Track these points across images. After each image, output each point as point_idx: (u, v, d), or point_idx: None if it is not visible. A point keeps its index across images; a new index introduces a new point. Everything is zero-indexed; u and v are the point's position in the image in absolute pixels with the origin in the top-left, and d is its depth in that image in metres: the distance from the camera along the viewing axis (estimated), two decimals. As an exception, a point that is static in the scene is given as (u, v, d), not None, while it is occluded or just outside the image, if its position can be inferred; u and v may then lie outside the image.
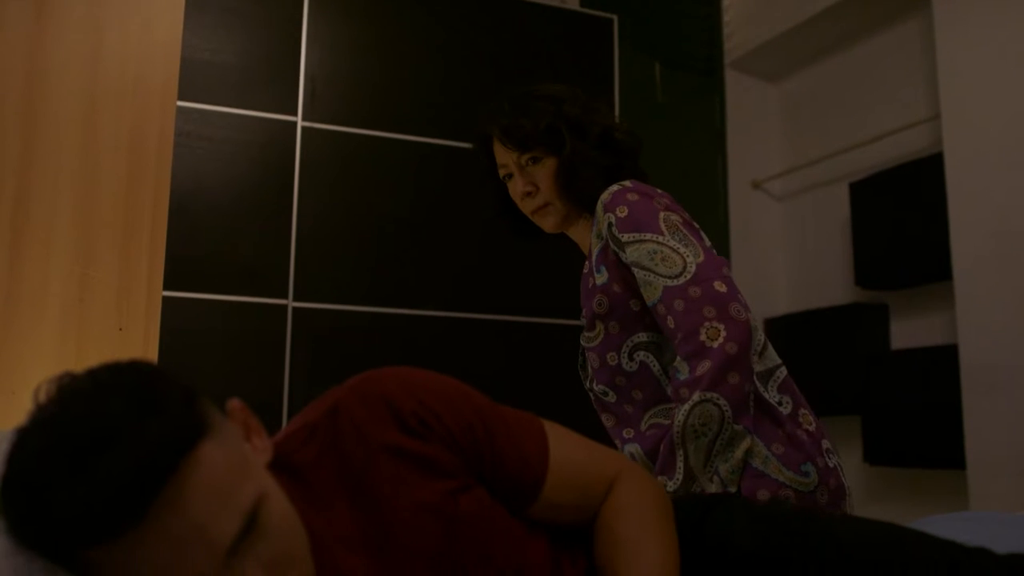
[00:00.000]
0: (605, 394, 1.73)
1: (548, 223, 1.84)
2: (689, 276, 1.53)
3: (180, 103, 2.67)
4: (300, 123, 2.91)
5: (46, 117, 2.30)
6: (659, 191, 1.70)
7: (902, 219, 3.52)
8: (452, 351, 2.99)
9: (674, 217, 1.62)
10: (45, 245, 2.25)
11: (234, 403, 0.98)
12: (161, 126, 2.41)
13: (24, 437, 0.83)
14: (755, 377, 1.59)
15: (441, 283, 3.04)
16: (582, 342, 1.78)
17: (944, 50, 3.29)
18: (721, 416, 1.48)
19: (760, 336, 1.66)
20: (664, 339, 1.65)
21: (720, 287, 1.52)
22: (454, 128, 3.13)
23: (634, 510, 1.13)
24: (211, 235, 2.76)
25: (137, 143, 2.37)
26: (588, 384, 1.81)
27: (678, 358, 1.53)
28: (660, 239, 1.58)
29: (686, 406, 1.48)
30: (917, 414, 3.33)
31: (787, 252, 4.36)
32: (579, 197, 1.77)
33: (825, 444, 1.63)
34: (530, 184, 1.79)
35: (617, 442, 1.75)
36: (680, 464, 1.49)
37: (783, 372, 1.66)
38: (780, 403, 1.61)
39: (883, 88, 3.89)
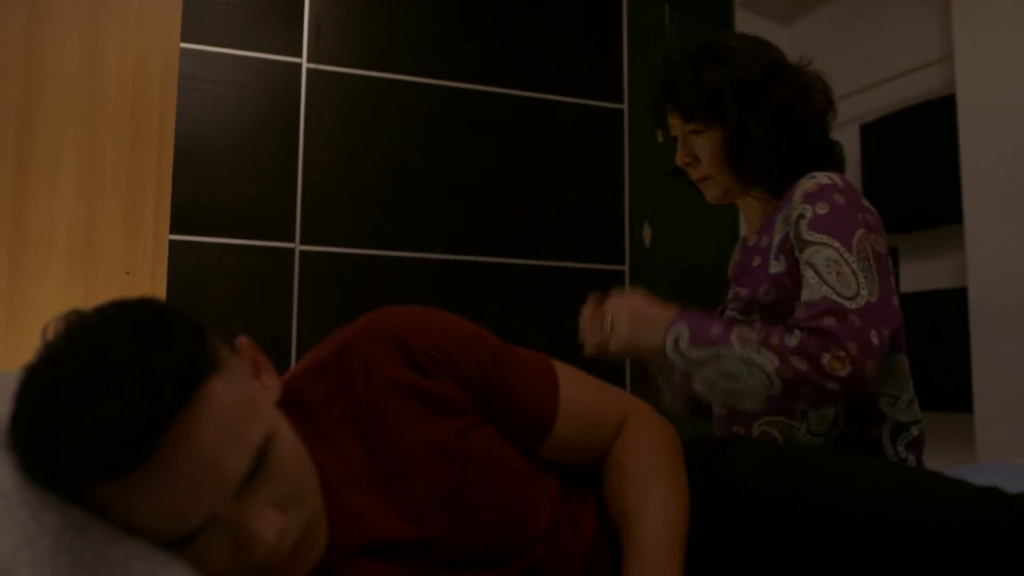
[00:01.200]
0: None
1: (709, 195, 1.74)
2: (857, 306, 1.40)
3: (183, 44, 2.64)
4: (305, 64, 2.88)
5: (47, 59, 2.27)
6: (866, 203, 1.56)
7: (913, 161, 3.48)
8: (460, 294, 2.99)
9: (869, 243, 1.48)
10: (50, 190, 2.24)
11: (243, 341, 0.98)
12: (164, 68, 2.38)
13: (32, 373, 0.82)
14: (885, 425, 1.55)
15: (448, 225, 3.03)
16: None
17: (958, -11, 3.24)
18: (762, 388, 1.40)
19: (910, 391, 1.59)
20: None
21: (875, 339, 1.38)
22: (461, 69, 3.10)
23: (644, 449, 1.13)
24: (217, 178, 2.74)
25: (140, 85, 2.35)
26: None
27: (797, 331, 1.41)
28: (845, 255, 1.45)
29: (752, 353, 1.40)
30: (925, 357, 3.32)
31: (796, 196, 4.33)
32: (745, 176, 1.65)
33: None
34: (689, 155, 1.70)
35: (720, 432, 1.67)
36: (707, 354, 1.43)
37: (917, 431, 1.58)
38: (904, 461, 1.54)
39: (895, 28, 3.83)
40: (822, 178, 1.53)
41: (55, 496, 0.84)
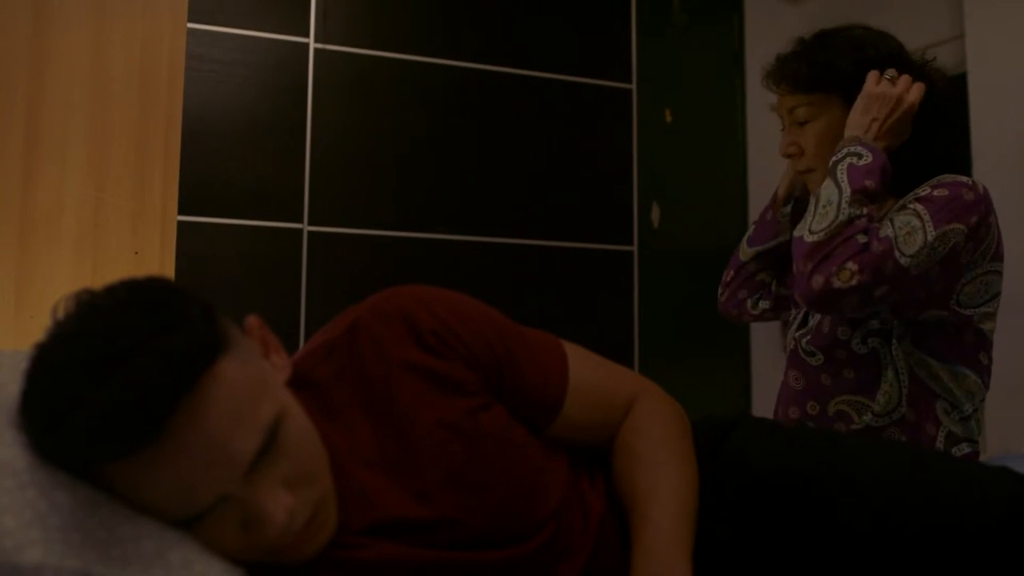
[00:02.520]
0: (812, 355, 1.63)
1: (812, 188, 1.67)
2: (902, 262, 1.41)
3: (190, 25, 2.63)
4: (312, 45, 2.87)
5: (55, 42, 2.27)
6: (995, 221, 1.55)
7: (923, 141, 3.46)
8: (468, 274, 2.98)
9: (958, 241, 1.46)
10: (59, 171, 2.24)
11: (252, 320, 0.98)
12: (171, 48, 2.38)
13: (43, 352, 0.82)
14: (940, 430, 1.55)
15: (457, 206, 3.02)
16: None
17: (970, -33, 3.21)
18: (809, 229, 1.47)
19: (969, 408, 1.58)
20: (903, 328, 1.56)
21: (878, 292, 1.42)
22: (469, 49, 3.08)
23: (653, 429, 1.13)
24: (225, 159, 2.74)
25: (148, 66, 2.35)
26: (793, 332, 1.70)
27: (865, 235, 1.44)
28: (928, 227, 1.44)
29: (843, 214, 1.44)
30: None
31: (805, 176, 4.31)
32: None
33: None
34: (794, 145, 1.66)
35: (794, 408, 1.67)
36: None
37: (969, 448, 1.58)
38: None
39: (905, 7, 3.80)
40: (963, 178, 1.53)
41: (66, 475, 0.84)
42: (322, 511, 0.93)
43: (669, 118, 3.38)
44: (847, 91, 1.60)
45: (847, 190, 1.47)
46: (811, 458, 1.09)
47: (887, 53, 1.62)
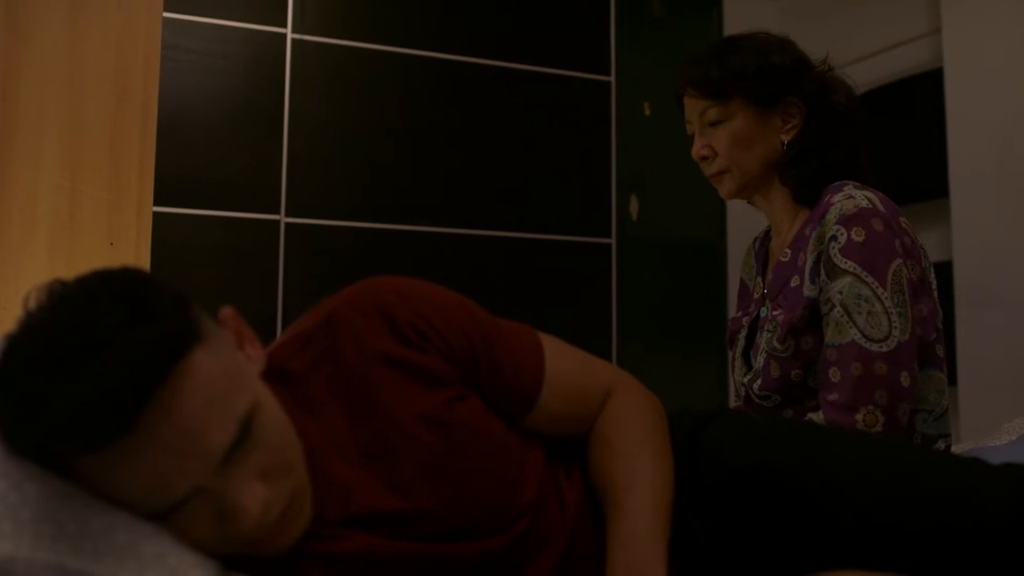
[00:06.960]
0: (766, 399, 1.57)
1: (724, 191, 1.67)
2: (886, 349, 1.40)
3: (166, 14, 2.61)
4: (290, 35, 2.86)
5: (29, 30, 2.24)
6: (903, 223, 1.52)
7: (899, 135, 3.48)
8: (446, 267, 2.98)
9: (905, 272, 1.45)
10: (33, 162, 2.22)
11: (227, 311, 0.97)
12: (147, 38, 2.36)
13: (13, 343, 0.82)
14: (915, 437, 1.53)
15: (435, 198, 3.01)
16: (764, 346, 1.58)
17: (947, -38, 3.22)
18: None
19: (942, 406, 1.54)
20: None
21: (905, 381, 1.40)
22: (449, 40, 3.08)
23: (629, 420, 1.13)
24: (201, 150, 2.72)
25: (124, 56, 2.32)
26: (742, 379, 1.65)
27: (820, 413, 1.43)
28: (879, 292, 1.42)
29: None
30: (909, 331, 3.33)
31: (783, 170, 4.31)
32: (772, 168, 1.63)
33: None
34: (706, 147, 1.64)
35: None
36: None
37: (944, 444, 1.56)
38: None
39: (883, 1, 3.82)
40: (861, 200, 1.49)
41: (37, 467, 0.84)
42: (296, 502, 0.93)
43: (648, 111, 3.38)
44: (754, 96, 1.60)
45: None
46: (788, 451, 1.09)
47: (791, 61, 1.63)
